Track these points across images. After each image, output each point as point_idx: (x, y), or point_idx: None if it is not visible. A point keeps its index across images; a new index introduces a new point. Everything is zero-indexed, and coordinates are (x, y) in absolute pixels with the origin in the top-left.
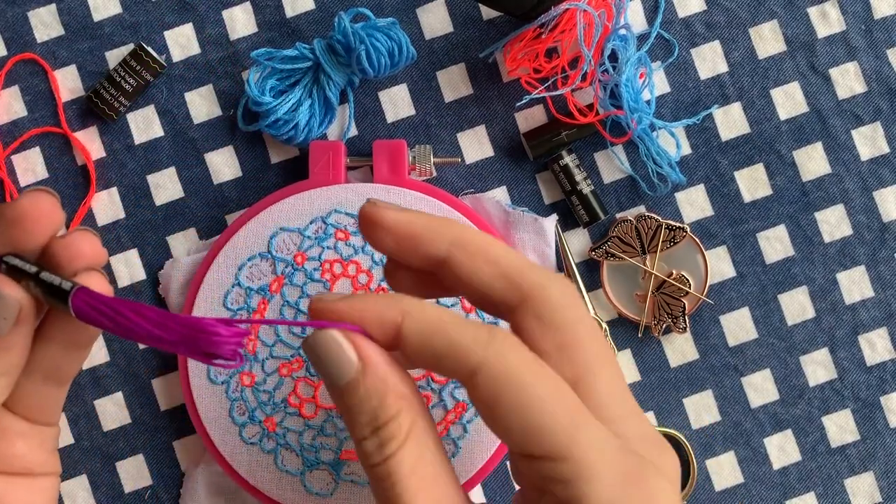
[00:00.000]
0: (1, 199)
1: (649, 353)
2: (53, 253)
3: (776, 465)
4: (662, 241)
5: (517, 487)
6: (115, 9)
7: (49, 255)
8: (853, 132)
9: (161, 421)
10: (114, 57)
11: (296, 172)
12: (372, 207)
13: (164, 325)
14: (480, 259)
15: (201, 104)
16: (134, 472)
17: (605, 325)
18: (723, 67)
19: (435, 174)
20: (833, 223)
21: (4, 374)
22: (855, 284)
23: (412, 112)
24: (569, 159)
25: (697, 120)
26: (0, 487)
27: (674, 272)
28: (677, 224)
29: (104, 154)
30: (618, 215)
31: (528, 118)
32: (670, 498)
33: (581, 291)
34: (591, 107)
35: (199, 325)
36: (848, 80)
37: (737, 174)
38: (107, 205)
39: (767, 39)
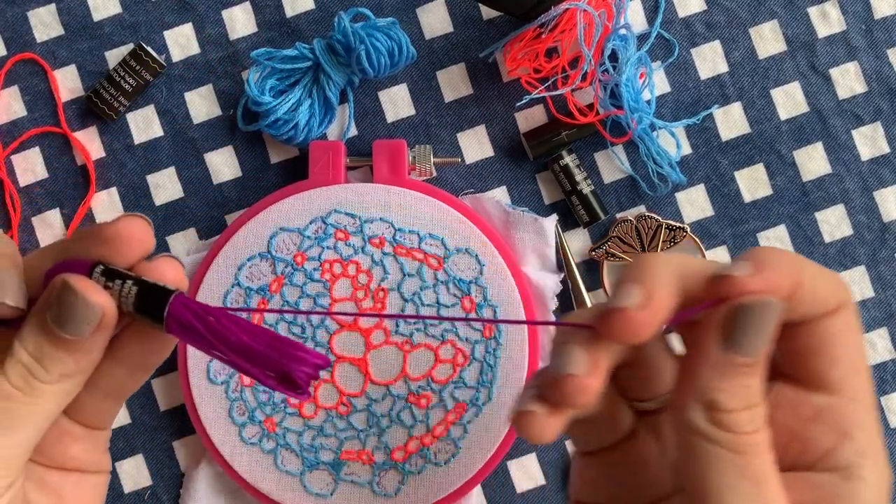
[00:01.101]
0: (1, 200)
1: None
2: (138, 274)
3: None
4: (662, 241)
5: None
6: (114, 9)
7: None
8: (853, 132)
9: (161, 421)
10: (113, 57)
11: (296, 172)
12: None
13: (254, 332)
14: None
15: (201, 104)
16: (134, 472)
17: None
18: (723, 67)
19: (435, 174)
20: (833, 223)
21: (80, 372)
22: (855, 284)
23: (412, 112)
24: (569, 159)
25: (697, 120)
26: (57, 481)
27: None
28: (677, 224)
29: (104, 154)
30: (618, 215)
31: (528, 118)
32: None
33: (581, 291)
34: (591, 107)
35: (285, 339)
36: (848, 80)
37: (737, 174)
38: (106, 205)
39: (768, 39)
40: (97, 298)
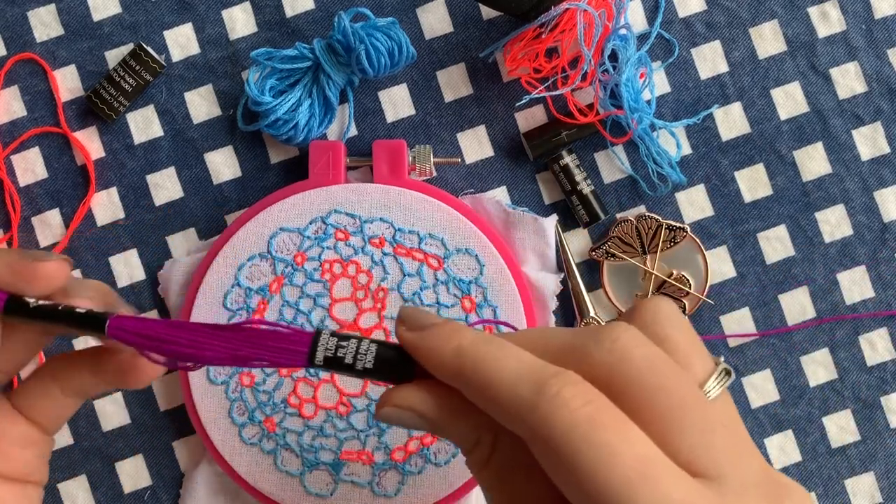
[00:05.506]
0: (1, 200)
1: None
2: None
3: (776, 466)
4: (663, 242)
5: None
6: (114, 9)
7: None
8: (853, 132)
9: (161, 421)
10: (113, 57)
11: (296, 172)
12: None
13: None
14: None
15: (201, 104)
16: (133, 473)
17: None
18: (723, 67)
19: (435, 174)
20: (833, 223)
21: None
22: (855, 284)
23: (412, 112)
24: (569, 159)
25: (698, 120)
26: None
27: (674, 272)
28: (677, 224)
29: (104, 154)
30: (618, 215)
31: (528, 118)
32: None
33: (581, 292)
34: (591, 107)
35: (209, 331)
36: (848, 80)
37: (737, 174)
38: (106, 205)
39: (768, 39)
40: None
